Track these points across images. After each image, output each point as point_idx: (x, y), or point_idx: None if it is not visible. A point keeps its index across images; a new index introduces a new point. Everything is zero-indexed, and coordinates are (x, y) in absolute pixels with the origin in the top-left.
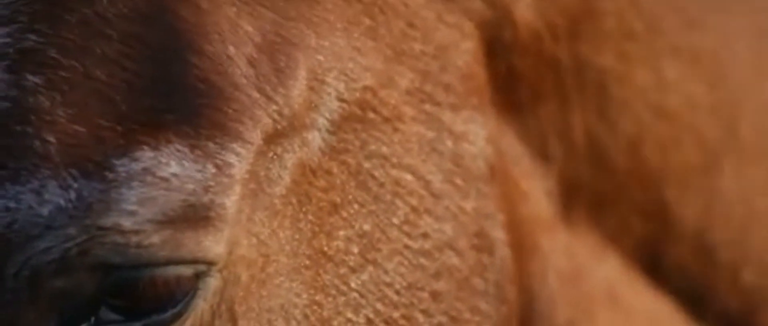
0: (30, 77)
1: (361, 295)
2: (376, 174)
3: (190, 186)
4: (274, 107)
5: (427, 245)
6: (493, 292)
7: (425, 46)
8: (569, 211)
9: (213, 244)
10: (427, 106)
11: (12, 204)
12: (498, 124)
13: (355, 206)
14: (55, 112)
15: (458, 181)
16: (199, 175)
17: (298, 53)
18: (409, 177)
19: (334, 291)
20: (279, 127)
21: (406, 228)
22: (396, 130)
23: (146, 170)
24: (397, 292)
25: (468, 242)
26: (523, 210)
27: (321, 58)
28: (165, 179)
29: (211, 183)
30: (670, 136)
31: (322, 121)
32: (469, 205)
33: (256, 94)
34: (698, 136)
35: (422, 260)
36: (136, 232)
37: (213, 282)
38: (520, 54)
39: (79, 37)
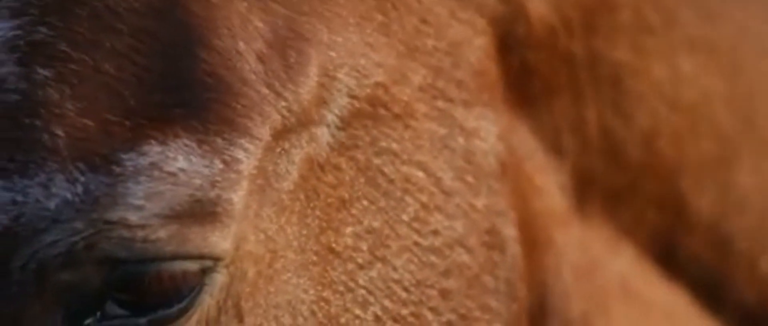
0: (40, 70)
1: (369, 292)
2: (386, 170)
3: (197, 182)
4: (283, 103)
5: (437, 242)
6: (504, 290)
7: (438, 42)
8: (583, 205)
9: (219, 240)
10: (440, 103)
11: (19, 198)
12: (510, 120)
13: (364, 202)
14: (64, 106)
15: (469, 178)
16: (206, 171)
17: (310, 49)
18: (419, 174)
19: (341, 288)
20: (288, 123)
21: (415, 225)
22: (407, 126)
23: (153, 165)
24: (406, 289)
25: (479, 239)
26: (536, 205)
27: (333, 54)
28: (172, 174)
29: (219, 179)
30: (686, 129)
31: (331, 117)
32: (480, 202)
33: (265, 90)
34: (715, 128)
35: (432, 257)
36: (143, 227)
37: (219, 278)
38: (534, 48)
39: (90, 31)
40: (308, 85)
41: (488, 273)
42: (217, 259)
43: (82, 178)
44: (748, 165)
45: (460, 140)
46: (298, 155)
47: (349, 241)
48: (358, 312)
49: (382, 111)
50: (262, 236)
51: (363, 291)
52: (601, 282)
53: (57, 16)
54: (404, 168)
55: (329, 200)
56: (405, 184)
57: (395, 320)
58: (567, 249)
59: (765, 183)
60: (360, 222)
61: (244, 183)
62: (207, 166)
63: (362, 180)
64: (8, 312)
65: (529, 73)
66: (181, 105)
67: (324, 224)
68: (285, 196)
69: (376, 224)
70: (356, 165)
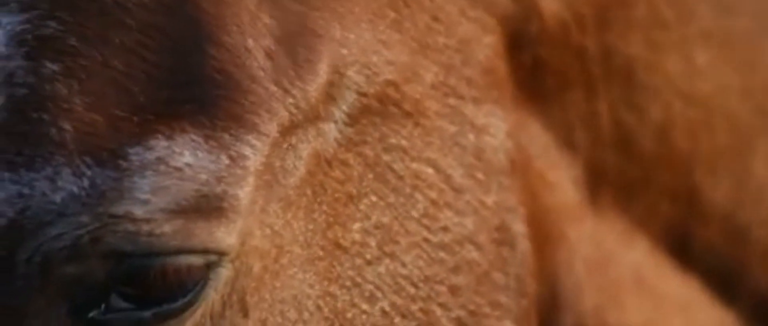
0: (49, 64)
1: (377, 287)
2: (396, 167)
3: (203, 177)
4: (291, 100)
5: (447, 239)
6: (514, 286)
7: (448, 39)
8: (596, 198)
9: (225, 235)
10: (451, 100)
11: (26, 191)
12: (520, 117)
13: (373, 198)
14: (72, 100)
15: (479, 175)
16: (212, 166)
17: (321, 45)
18: (429, 170)
19: (348, 283)
20: (295, 119)
21: (425, 221)
22: (417, 124)
23: (160, 159)
24: (415, 285)
25: (489, 236)
26: (548, 200)
27: (344, 51)
28: (178, 169)
29: (225, 174)
30: (700, 121)
31: (339, 114)
32: (490, 199)
33: (272, 87)
34: (730, 119)
35: (441, 254)
36: (148, 221)
37: (224, 273)
38: (547, 45)
39: (99, 26)
40: (317, 82)
41: (498, 270)
42: (222, 254)
43: (89, 172)
44: (764, 156)
45: (471, 137)
46: (305, 150)
47: (357, 237)
48: (365, 307)
49: (391, 108)
50: (268, 231)
51: (371, 287)
52: (614, 275)
53: (66, 11)
54: (414, 165)
55: (336, 195)
56: (414, 181)
57: (404, 315)
58: (580, 244)
59: None
60: (368, 218)
61: (251, 179)
62: (213, 162)
63: (371, 176)
64: (13, 305)
65: (542, 70)
66: (189, 101)
67: (331, 219)
68: (292, 192)
69: (384, 220)
70: (364, 161)
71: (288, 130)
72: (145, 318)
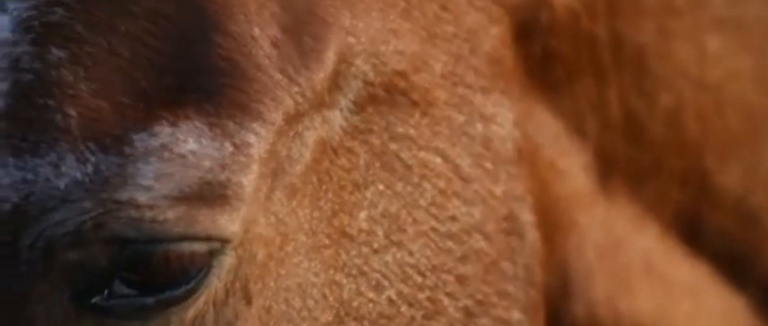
0: (55, 51)
1: (384, 276)
2: (403, 156)
3: (207, 164)
4: (297, 89)
5: (455, 228)
6: (522, 276)
7: (457, 29)
8: (607, 184)
9: (228, 222)
10: (460, 89)
11: (30, 176)
12: (528, 106)
13: (380, 186)
14: (78, 87)
15: (488, 165)
16: (216, 153)
17: (330, 34)
18: (437, 160)
19: (354, 271)
20: (301, 107)
21: (433, 210)
22: (425, 113)
23: (164, 146)
24: (422, 274)
25: (497, 226)
26: (559, 188)
27: (352, 40)
28: (182, 156)
29: (229, 162)
30: (711, 107)
31: (344, 102)
32: (498, 189)
33: (278, 76)
34: (742, 105)
35: (449, 243)
36: (151, 207)
37: (227, 260)
38: (557, 34)
39: (106, 14)
40: (323, 71)
41: (506, 259)
42: (225, 241)
43: (93, 158)
44: None
45: (479, 126)
46: (310, 138)
47: (364, 225)
48: (371, 295)
49: (399, 97)
50: (272, 219)
51: (377, 275)
52: (625, 260)
53: None
54: (421, 154)
55: (342, 183)
56: (422, 170)
57: (411, 304)
58: (590, 230)
59: None
60: (375, 207)
61: (255, 167)
62: (217, 149)
63: (377, 164)
64: (16, 290)
65: (552, 59)
66: (194, 89)
67: (336, 207)
68: (297, 180)
69: (392, 209)
70: (371, 149)
71: (293, 118)
72: (148, 304)
